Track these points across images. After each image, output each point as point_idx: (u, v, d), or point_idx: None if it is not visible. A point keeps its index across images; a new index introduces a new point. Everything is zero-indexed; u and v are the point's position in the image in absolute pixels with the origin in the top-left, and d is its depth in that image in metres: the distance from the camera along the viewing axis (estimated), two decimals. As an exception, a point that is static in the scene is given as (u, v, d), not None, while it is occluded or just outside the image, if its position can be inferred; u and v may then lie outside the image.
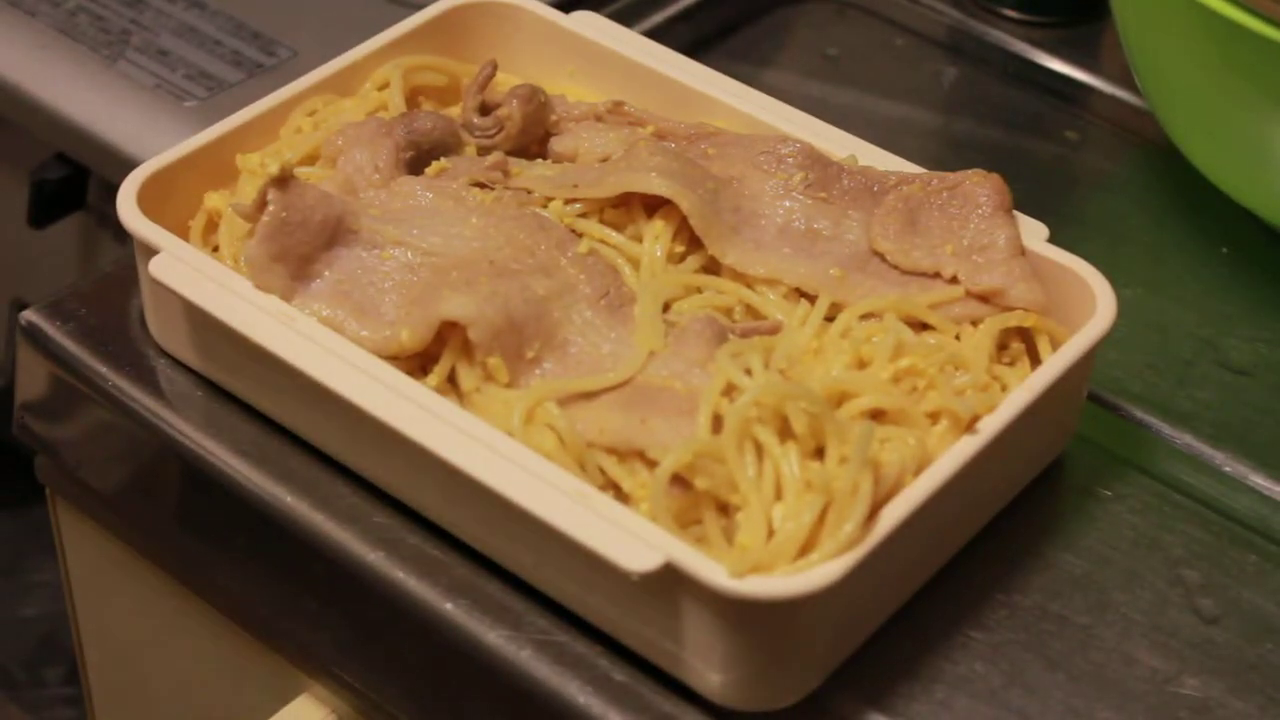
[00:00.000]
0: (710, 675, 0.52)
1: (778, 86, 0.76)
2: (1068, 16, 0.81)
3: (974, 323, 0.58)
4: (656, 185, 0.59)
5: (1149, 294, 0.68)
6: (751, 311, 0.58)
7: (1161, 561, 0.58)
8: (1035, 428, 0.56)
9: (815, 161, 0.61)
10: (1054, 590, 0.57)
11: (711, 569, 0.50)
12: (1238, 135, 0.66)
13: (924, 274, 0.59)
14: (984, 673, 0.55)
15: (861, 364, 0.56)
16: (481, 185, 0.61)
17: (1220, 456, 0.62)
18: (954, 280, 0.58)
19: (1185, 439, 0.63)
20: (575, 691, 0.53)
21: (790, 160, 0.61)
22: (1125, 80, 0.77)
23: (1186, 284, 0.69)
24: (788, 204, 0.60)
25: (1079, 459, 0.61)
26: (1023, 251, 0.58)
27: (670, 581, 0.51)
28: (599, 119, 0.64)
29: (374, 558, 0.57)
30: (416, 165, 0.62)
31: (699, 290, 0.58)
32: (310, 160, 0.62)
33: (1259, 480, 0.61)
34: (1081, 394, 0.60)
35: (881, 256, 0.59)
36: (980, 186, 0.60)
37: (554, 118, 0.64)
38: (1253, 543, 0.59)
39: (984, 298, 0.58)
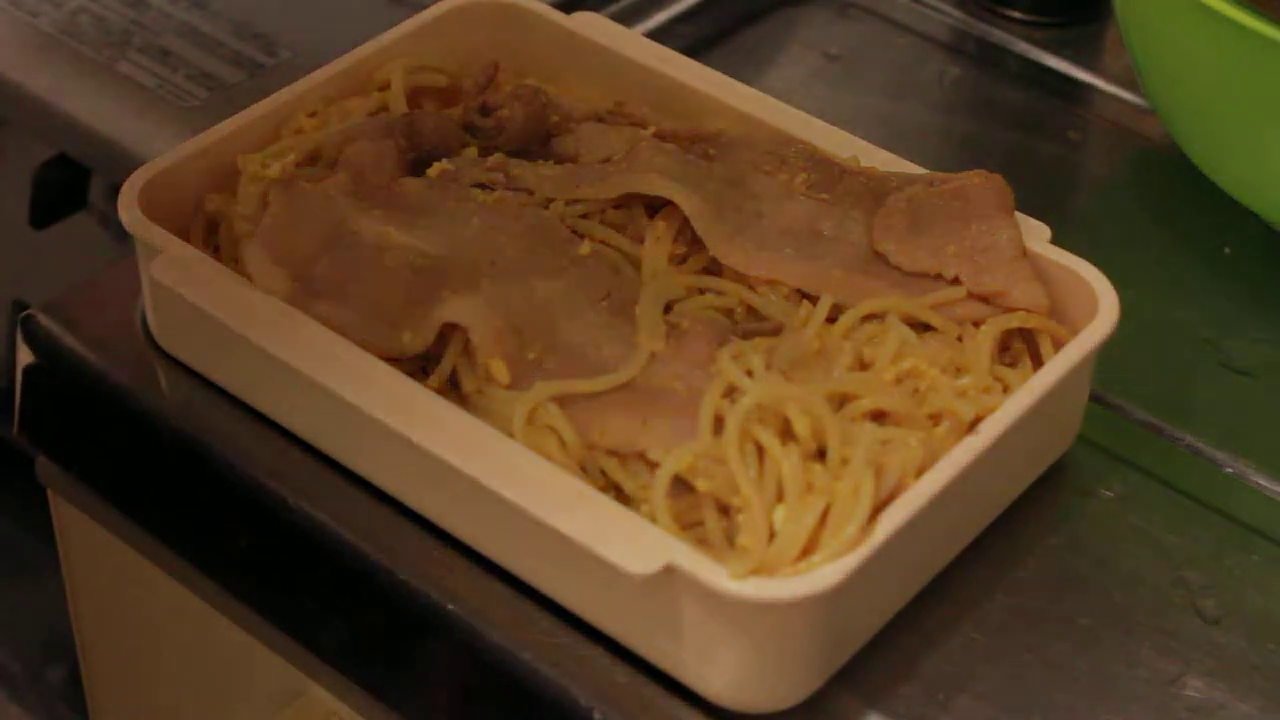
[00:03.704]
0: (711, 677, 0.52)
1: (780, 87, 0.76)
2: (1070, 16, 0.80)
3: (976, 323, 0.58)
4: (658, 186, 0.59)
5: (1151, 294, 0.68)
6: (753, 312, 0.58)
7: (1164, 562, 0.58)
8: (1038, 429, 0.56)
9: (817, 162, 0.61)
10: (1056, 591, 0.57)
11: (713, 571, 0.50)
12: (1241, 135, 0.66)
13: (926, 275, 0.59)
14: (986, 674, 0.54)
15: (863, 365, 0.56)
16: (483, 186, 0.61)
17: (1222, 457, 0.62)
18: (956, 281, 0.58)
19: (1187, 440, 0.63)
20: (577, 693, 0.53)
21: (792, 161, 0.61)
22: (1128, 80, 0.77)
23: (1189, 284, 0.69)
24: (790, 205, 0.60)
25: (1081, 460, 0.61)
26: (1025, 253, 0.58)
27: (671, 583, 0.50)
28: (600, 120, 0.64)
29: (376, 559, 0.57)
30: (418, 166, 0.62)
31: (701, 291, 0.58)
32: (311, 161, 0.62)
33: (1261, 481, 0.61)
34: (1084, 395, 0.60)
35: (884, 258, 0.59)
36: (982, 187, 0.60)
37: (555, 118, 0.64)
38: (1255, 544, 0.59)
39: (986, 299, 0.58)
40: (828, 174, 0.61)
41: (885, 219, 0.60)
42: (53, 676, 0.99)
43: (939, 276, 0.58)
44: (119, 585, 0.70)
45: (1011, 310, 0.58)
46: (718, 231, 0.59)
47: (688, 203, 0.58)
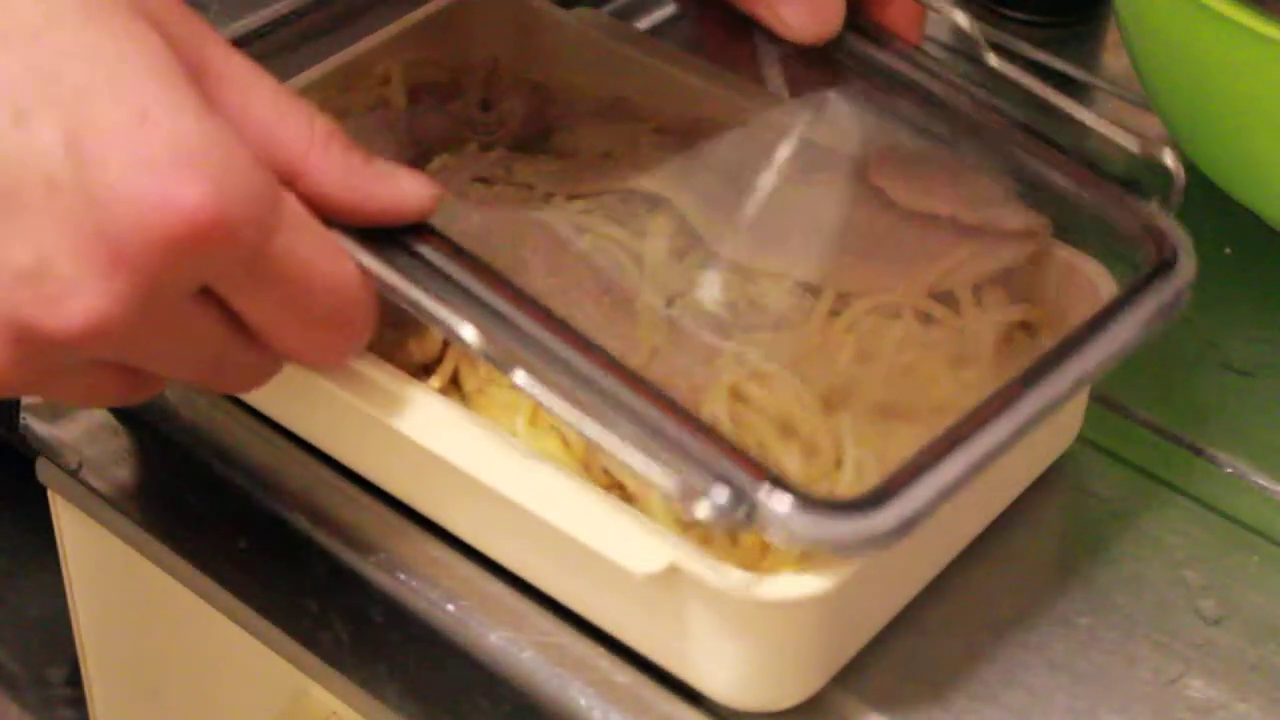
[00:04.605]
0: (714, 676, 0.52)
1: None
2: (1070, 16, 0.80)
3: (978, 284, 0.57)
4: (656, 184, 0.59)
5: (1151, 294, 0.68)
6: (755, 306, 0.58)
7: (1163, 563, 0.58)
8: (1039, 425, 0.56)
9: (817, 154, 0.61)
10: (1056, 591, 0.57)
11: (716, 571, 0.50)
12: (1241, 135, 0.66)
13: (921, 214, 0.59)
14: (986, 674, 0.54)
15: (866, 358, 0.56)
16: (483, 181, 0.61)
17: (1222, 457, 0.62)
18: (952, 219, 0.58)
19: (1188, 440, 0.62)
20: (577, 694, 0.53)
21: (791, 153, 0.61)
22: (1128, 80, 0.77)
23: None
24: (790, 196, 0.60)
25: (1080, 459, 0.61)
26: (1016, 194, 0.59)
27: (674, 583, 0.50)
28: (601, 115, 0.64)
29: (375, 559, 0.57)
30: (418, 162, 0.62)
31: (702, 285, 0.58)
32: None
33: (1261, 481, 0.61)
34: (1084, 392, 0.59)
35: (884, 234, 0.59)
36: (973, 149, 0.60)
37: (556, 113, 0.64)
38: (1255, 544, 0.59)
39: (980, 228, 0.58)
40: (827, 165, 0.61)
41: (881, 161, 0.60)
42: (53, 676, 0.99)
43: (935, 216, 0.58)
44: (119, 585, 0.70)
45: (1010, 233, 0.57)
46: (717, 227, 0.59)
47: (684, 200, 0.58)
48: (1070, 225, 0.59)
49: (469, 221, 0.59)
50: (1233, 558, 0.58)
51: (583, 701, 0.53)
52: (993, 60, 0.60)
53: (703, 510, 0.46)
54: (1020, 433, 0.50)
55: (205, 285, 0.46)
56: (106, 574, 0.70)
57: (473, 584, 0.56)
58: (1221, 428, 0.63)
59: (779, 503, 0.47)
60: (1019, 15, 0.80)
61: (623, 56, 0.66)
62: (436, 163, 0.61)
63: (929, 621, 0.55)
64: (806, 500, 0.47)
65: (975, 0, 0.81)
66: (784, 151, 0.61)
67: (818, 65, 0.62)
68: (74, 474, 0.66)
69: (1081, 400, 0.60)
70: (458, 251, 0.51)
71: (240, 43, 0.60)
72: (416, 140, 0.62)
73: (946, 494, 0.48)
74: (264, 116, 0.47)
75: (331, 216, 0.49)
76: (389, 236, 0.50)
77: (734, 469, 0.47)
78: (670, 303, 0.57)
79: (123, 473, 0.64)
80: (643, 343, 0.55)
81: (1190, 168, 0.70)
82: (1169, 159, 0.57)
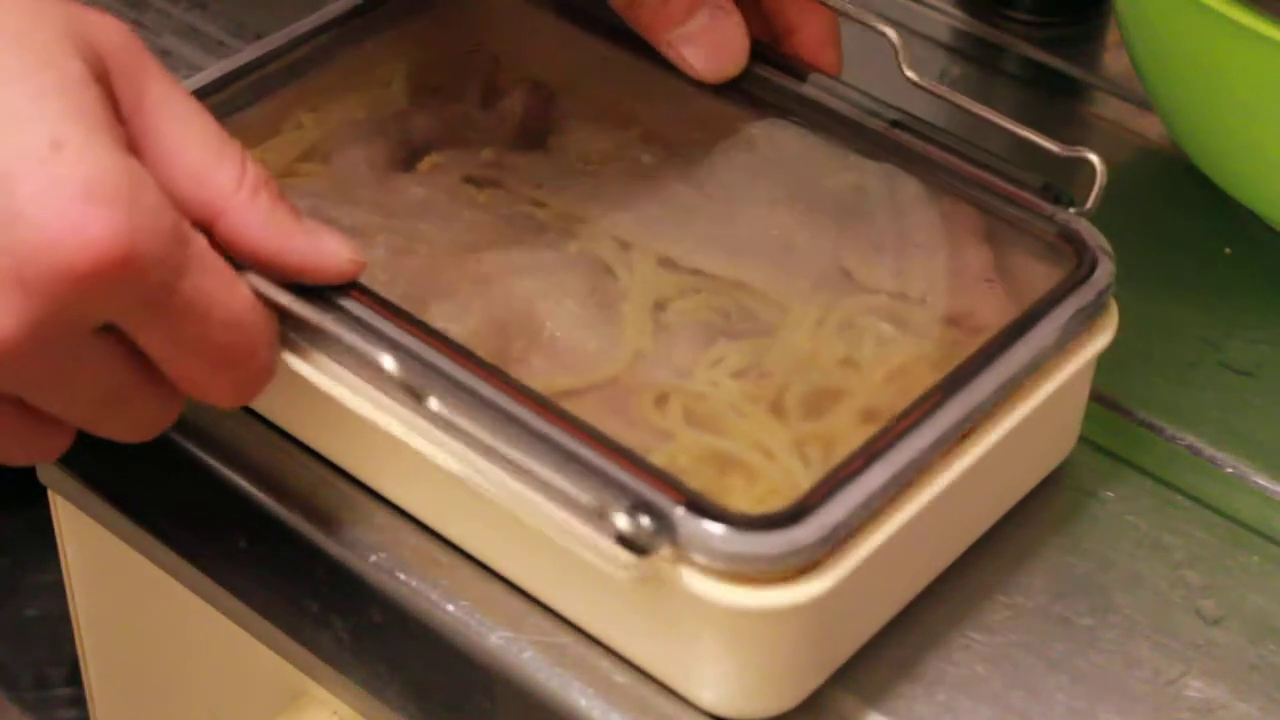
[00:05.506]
0: (700, 683, 0.52)
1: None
2: (1070, 16, 0.80)
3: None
4: (622, 226, 0.59)
5: (1151, 294, 0.68)
6: (745, 311, 0.58)
7: (1164, 563, 0.58)
8: (1035, 436, 0.56)
9: (802, 172, 0.61)
10: (1056, 592, 0.57)
11: (700, 577, 0.49)
12: (1241, 135, 0.66)
13: (891, 294, 0.58)
14: (986, 674, 0.54)
15: (851, 362, 0.56)
16: (473, 181, 0.61)
17: (1222, 457, 0.62)
18: (921, 302, 0.58)
19: (1188, 440, 0.62)
20: (577, 694, 0.53)
21: (778, 167, 0.61)
22: (1128, 80, 0.77)
23: (1189, 285, 0.69)
24: (764, 213, 0.60)
25: (1081, 460, 0.61)
26: (993, 276, 0.58)
27: (660, 589, 0.50)
28: (596, 118, 0.64)
29: (375, 559, 0.56)
30: (413, 161, 0.62)
31: (694, 291, 0.58)
32: (308, 157, 0.62)
33: (1261, 481, 0.61)
34: (1083, 399, 0.59)
35: (849, 274, 0.59)
36: (950, 216, 0.60)
37: (554, 114, 0.64)
38: (1255, 544, 0.59)
39: (954, 321, 0.58)
40: (810, 183, 0.61)
41: (853, 236, 0.60)
42: (53, 676, 0.99)
43: (904, 296, 0.58)
44: (119, 585, 0.70)
45: (979, 331, 0.57)
46: (687, 247, 0.58)
47: (649, 236, 0.58)
48: (995, 236, 0.59)
49: (458, 220, 0.59)
50: (1233, 558, 0.58)
51: (583, 701, 0.53)
52: (909, 74, 0.62)
53: (619, 530, 0.47)
54: (941, 441, 0.51)
55: (108, 321, 0.46)
56: (106, 574, 0.70)
57: (473, 584, 0.56)
58: (1221, 428, 0.63)
59: (695, 522, 0.47)
60: (1019, 15, 0.80)
61: (623, 58, 0.66)
62: (427, 162, 0.61)
63: (929, 621, 0.55)
64: (725, 518, 0.47)
65: (975, 0, 0.81)
66: (771, 166, 0.61)
67: (729, 98, 0.62)
68: (74, 474, 0.66)
69: (1080, 407, 0.60)
70: (378, 301, 0.52)
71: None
72: (412, 140, 0.62)
73: (868, 506, 0.49)
74: (195, 154, 0.48)
75: (247, 264, 0.49)
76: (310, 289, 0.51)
77: (651, 490, 0.48)
78: (661, 306, 0.57)
79: (123, 473, 0.64)
80: (627, 345, 0.55)
81: (1190, 168, 0.70)
82: (1092, 157, 0.58)
